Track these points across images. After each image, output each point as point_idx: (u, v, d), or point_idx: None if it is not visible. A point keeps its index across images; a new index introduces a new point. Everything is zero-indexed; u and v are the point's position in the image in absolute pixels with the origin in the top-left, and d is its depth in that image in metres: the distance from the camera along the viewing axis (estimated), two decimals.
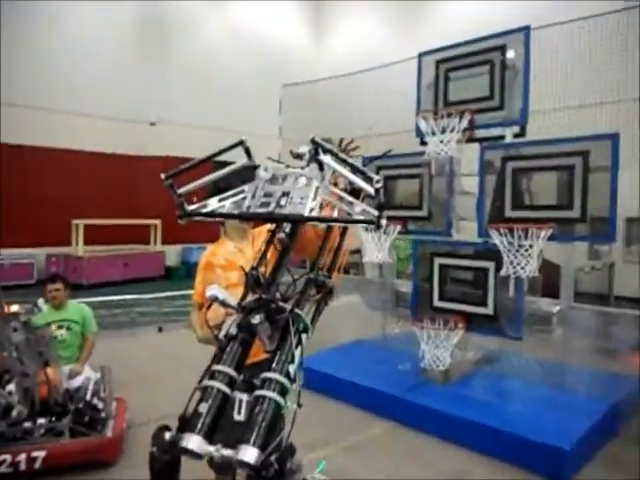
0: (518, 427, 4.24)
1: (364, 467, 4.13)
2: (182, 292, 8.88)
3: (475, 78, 5.32)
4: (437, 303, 5.53)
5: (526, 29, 5.02)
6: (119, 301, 9.83)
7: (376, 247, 5.75)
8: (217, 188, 1.89)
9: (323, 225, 1.80)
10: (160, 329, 8.65)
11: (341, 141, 2.31)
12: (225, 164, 1.81)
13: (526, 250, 4.48)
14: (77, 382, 4.64)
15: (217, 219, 1.87)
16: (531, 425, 4.25)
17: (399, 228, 5.68)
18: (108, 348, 6.26)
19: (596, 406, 4.59)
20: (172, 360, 6.76)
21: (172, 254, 15.96)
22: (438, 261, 5.55)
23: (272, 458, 1.33)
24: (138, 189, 14.94)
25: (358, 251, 7.93)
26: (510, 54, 5.17)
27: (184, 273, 14.83)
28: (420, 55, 5.86)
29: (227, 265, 2.83)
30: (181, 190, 1.78)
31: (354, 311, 7.17)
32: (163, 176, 1.72)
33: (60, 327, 4.90)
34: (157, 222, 15.11)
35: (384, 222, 1.58)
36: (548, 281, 5.22)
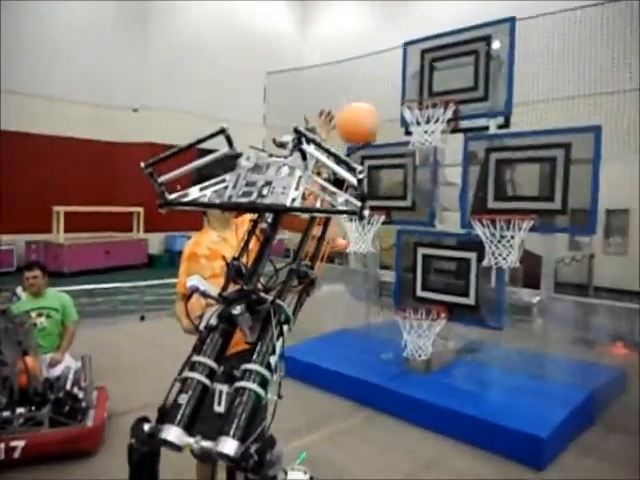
0: (497, 415, 4.30)
1: (346, 455, 4.16)
2: (165, 280, 8.80)
3: (460, 68, 5.30)
4: (420, 293, 5.56)
5: (511, 20, 5.02)
6: (101, 289, 9.71)
7: (360, 237, 5.75)
8: (201, 176, 1.87)
9: (306, 215, 1.79)
10: (142, 318, 8.60)
11: (321, 112, 2.28)
12: (209, 152, 1.78)
13: (508, 241, 4.51)
14: (57, 371, 4.60)
15: (199, 208, 1.84)
16: (509, 413, 4.31)
17: (383, 218, 5.68)
18: (90, 337, 6.21)
19: (573, 395, 4.67)
20: (154, 349, 6.72)
21: (155, 242, 15.84)
22: (421, 251, 5.57)
23: (252, 450, 1.32)
24: (121, 176, 14.78)
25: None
26: (495, 45, 5.16)
27: (167, 261, 14.75)
28: (405, 44, 5.83)
29: (211, 255, 2.81)
30: (162, 179, 1.75)
31: (338, 301, 7.19)
32: (143, 165, 1.69)
33: (40, 315, 4.84)
34: (140, 209, 14.97)
35: (367, 213, 1.57)
36: (529, 272, 5.27)
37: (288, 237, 4.76)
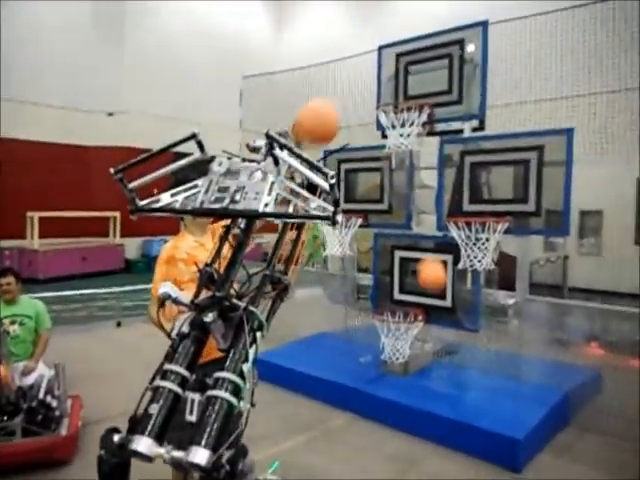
0: (473, 417, 4.32)
1: (324, 460, 4.15)
2: (142, 286, 8.69)
3: (434, 72, 5.35)
4: (397, 296, 5.58)
5: (484, 24, 5.07)
6: (76, 296, 9.57)
7: (338, 240, 5.75)
8: (177, 181, 1.85)
9: (278, 220, 1.78)
10: (119, 324, 8.48)
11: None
12: (185, 156, 1.76)
13: (483, 244, 4.55)
14: (30, 379, 4.51)
15: (171, 214, 1.82)
16: (486, 415, 4.34)
17: (360, 221, 5.69)
18: (65, 344, 6.10)
19: (549, 396, 4.72)
20: (131, 355, 6.63)
21: (132, 247, 15.65)
22: (398, 254, 5.60)
23: (223, 459, 1.31)
24: (96, 181, 14.57)
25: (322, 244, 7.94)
26: (470, 48, 5.21)
27: (144, 266, 14.57)
28: (380, 48, 5.86)
29: (189, 259, 2.78)
30: (132, 184, 1.73)
31: (316, 304, 7.18)
32: (112, 170, 1.67)
33: (13, 322, 4.75)
34: (116, 214, 14.78)
35: (340, 218, 1.57)
36: (505, 274, 5.32)
37: (267, 241, 4.72)
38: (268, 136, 1.65)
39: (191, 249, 2.83)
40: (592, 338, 5.40)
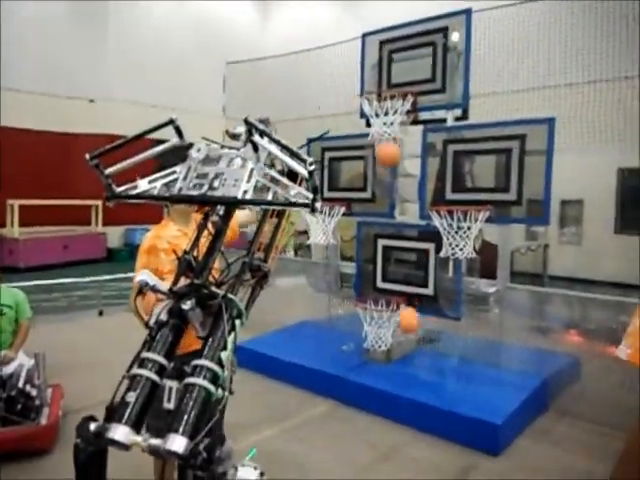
0: (454, 404, 4.37)
1: (306, 447, 4.17)
2: (125, 275, 8.61)
3: (418, 60, 5.33)
4: (380, 284, 5.60)
5: (467, 12, 5.06)
6: (58, 284, 9.45)
7: (321, 229, 5.75)
8: (162, 167, 1.82)
9: (257, 208, 1.77)
10: (101, 313, 8.41)
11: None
12: (164, 142, 1.74)
13: (464, 232, 4.58)
14: (10, 369, 4.45)
15: (148, 201, 1.80)
16: (466, 401, 4.40)
17: (343, 210, 5.69)
18: (46, 333, 6.04)
19: (529, 382, 4.79)
20: (112, 344, 6.57)
21: (114, 235, 15.49)
22: (381, 243, 5.61)
23: (201, 447, 1.31)
24: (78, 168, 14.35)
25: (305, 232, 7.93)
26: (454, 37, 5.20)
27: (127, 255, 14.44)
28: (364, 35, 5.83)
29: (170, 249, 2.75)
30: (109, 170, 1.71)
31: (299, 293, 7.18)
32: (88, 156, 1.64)
33: None
34: (98, 203, 14.60)
35: (319, 205, 1.57)
36: (486, 262, 5.37)
37: (250, 229, 4.71)
38: (247, 122, 1.63)
39: (173, 238, 2.78)
40: (571, 326, 5.47)
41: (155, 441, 1.36)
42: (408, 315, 5.14)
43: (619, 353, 2.25)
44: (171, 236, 2.82)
